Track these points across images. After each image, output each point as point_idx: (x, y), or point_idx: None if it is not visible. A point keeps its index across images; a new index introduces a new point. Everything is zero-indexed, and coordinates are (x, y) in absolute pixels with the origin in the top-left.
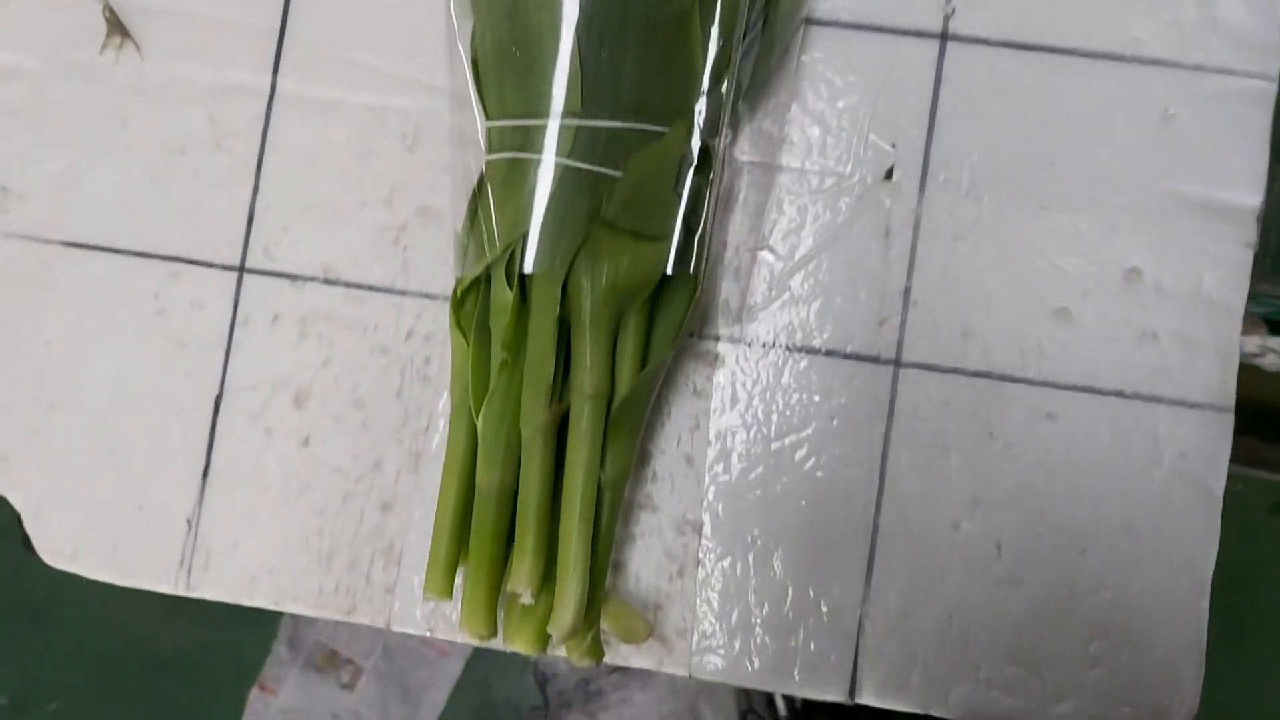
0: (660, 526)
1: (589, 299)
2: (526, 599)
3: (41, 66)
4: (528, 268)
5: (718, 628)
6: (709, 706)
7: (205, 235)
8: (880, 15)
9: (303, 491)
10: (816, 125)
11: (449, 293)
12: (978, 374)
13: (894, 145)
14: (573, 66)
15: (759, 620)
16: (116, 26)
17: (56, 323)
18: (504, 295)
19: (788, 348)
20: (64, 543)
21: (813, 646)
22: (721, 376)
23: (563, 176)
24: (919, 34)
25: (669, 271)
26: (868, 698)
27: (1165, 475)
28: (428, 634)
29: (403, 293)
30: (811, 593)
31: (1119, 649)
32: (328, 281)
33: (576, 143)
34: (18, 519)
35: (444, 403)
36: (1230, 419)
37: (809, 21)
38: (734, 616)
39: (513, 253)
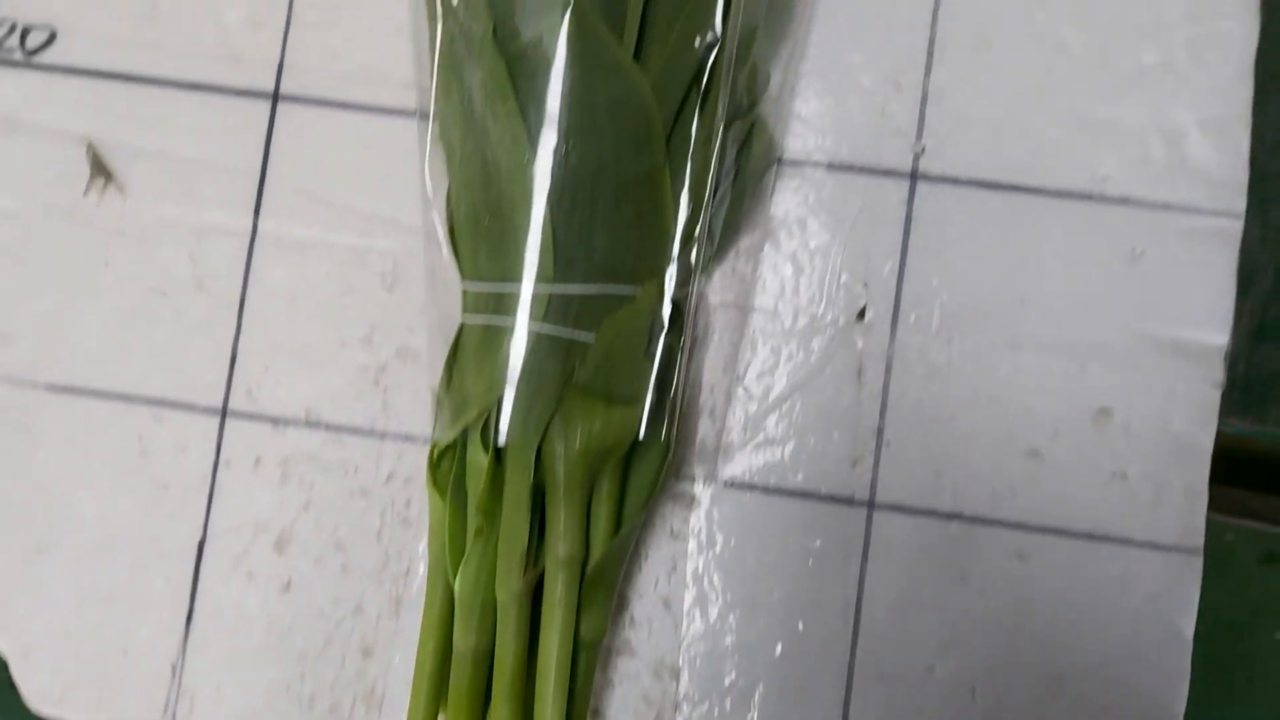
0: (638, 672)
1: (562, 464)
2: None
3: (26, 207)
4: (502, 438)
5: None
6: None
7: (188, 376)
8: (851, 155)
9: (284, 637)
10: (789, 265)
11: (428, 434)
12: (950, 515)
13: (866, 285)
14: (544, 234)
15: None
16: (100, 168)
17: (42, 466)
18: (479, 460)
19: (764, 489)
20: (51, 687)
21: None
22: (698, 519)
23: (536, 342)
24: (889, 173)
25: (641, 437)
26: None
27: (1136, 617)
28: None
29: (383, 435)
30: None
31: None
32: (309, 424)
33: (549, 308)
34: (3, 664)
35: (423, 546)
36: (1199, 561)
37: (780, 161)
38: None
39: (487, 418)
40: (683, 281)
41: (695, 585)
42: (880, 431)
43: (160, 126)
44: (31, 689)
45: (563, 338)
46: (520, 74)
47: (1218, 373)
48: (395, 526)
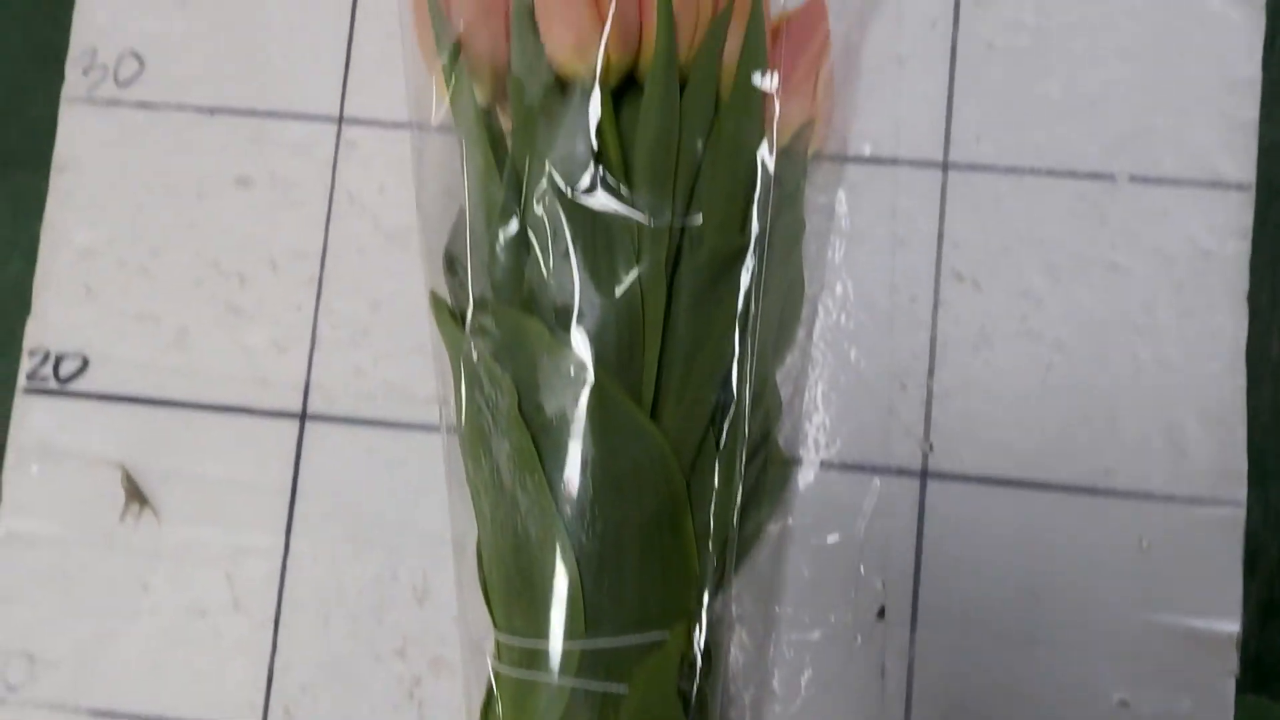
0: None
1: None
2: None
3: (64, 533)
4: None
5: None
6: None
7: (227, 696)
8: (860, 454)
9: None
10: (807, 567)
11: None
12: None
13: (883, 584)
14: (573, 595)
15: None
16: (134, 493)
17: None
18: None
19: None
20: None
21: None
22: None
23: (570, 695)
24: (900, 471)
25: None
26: None
27: None
28: None
29: None
30: None
31: None
32: None
33: (581, 664)
34: None
35: None
36: None
37: (790, 463)
38: None
39: None
40: (712, 623)
41: None
42: None
43: (191, 449)
44: None
45: (596, 690)
46: (545, 446)
47: (1231, 662)
48: None
